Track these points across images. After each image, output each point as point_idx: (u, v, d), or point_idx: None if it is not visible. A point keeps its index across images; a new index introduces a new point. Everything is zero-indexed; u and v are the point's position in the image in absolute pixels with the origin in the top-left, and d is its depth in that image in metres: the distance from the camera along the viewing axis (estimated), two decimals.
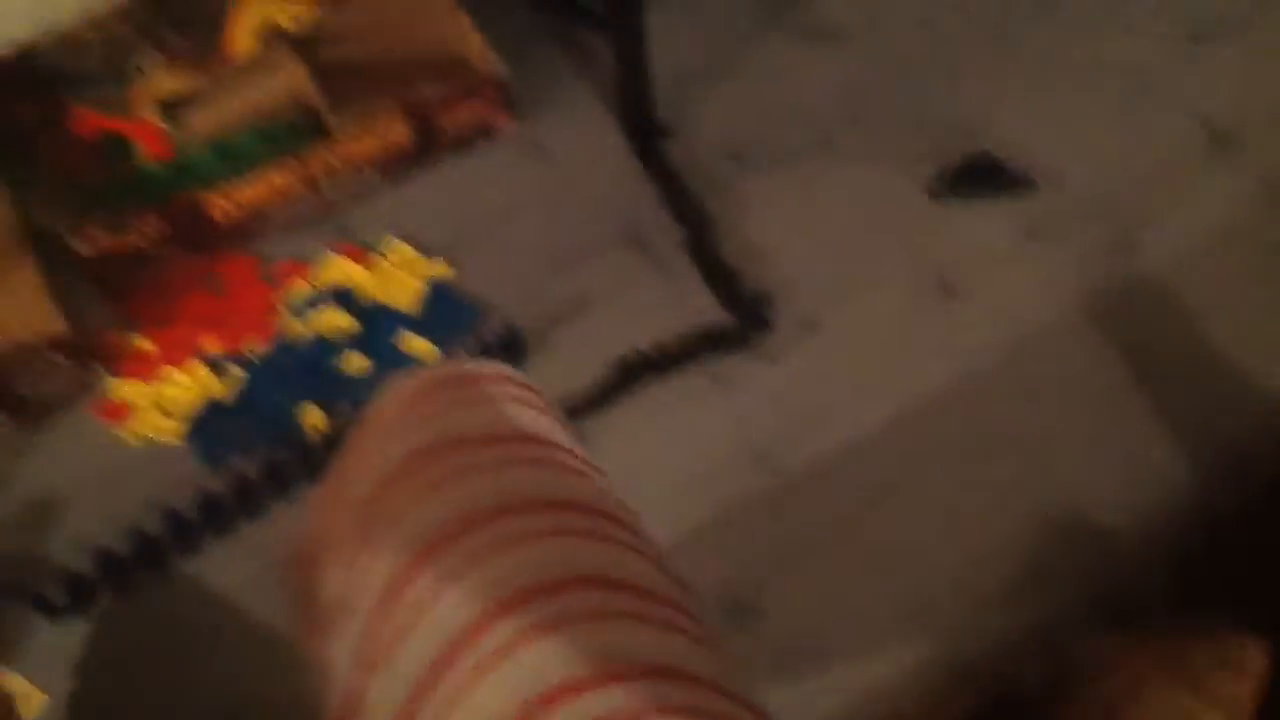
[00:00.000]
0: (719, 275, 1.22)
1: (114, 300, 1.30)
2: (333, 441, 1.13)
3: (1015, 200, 1.27)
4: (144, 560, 1.08)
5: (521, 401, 0.60)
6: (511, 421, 0.57)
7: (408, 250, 1.30)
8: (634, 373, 1.16)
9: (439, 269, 1.28)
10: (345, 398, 1.19)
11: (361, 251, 1.31)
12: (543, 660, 0.44)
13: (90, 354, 1.21)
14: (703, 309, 1.21)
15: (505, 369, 0.61)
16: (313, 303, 1.27)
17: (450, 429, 0.55)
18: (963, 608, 1.01)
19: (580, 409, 1.14)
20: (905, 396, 1.13)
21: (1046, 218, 1.25)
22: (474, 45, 1.39)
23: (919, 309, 1.19)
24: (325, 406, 1.19)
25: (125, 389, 1.23)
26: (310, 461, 1.13)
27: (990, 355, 1.16)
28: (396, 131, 1.32)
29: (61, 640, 1.06)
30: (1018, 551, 1.04)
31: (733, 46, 1.46)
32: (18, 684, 1.00)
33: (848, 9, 1.48)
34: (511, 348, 1.18)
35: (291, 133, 1.35)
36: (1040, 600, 1.01)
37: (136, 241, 1.26)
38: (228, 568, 1.09)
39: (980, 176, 1.28)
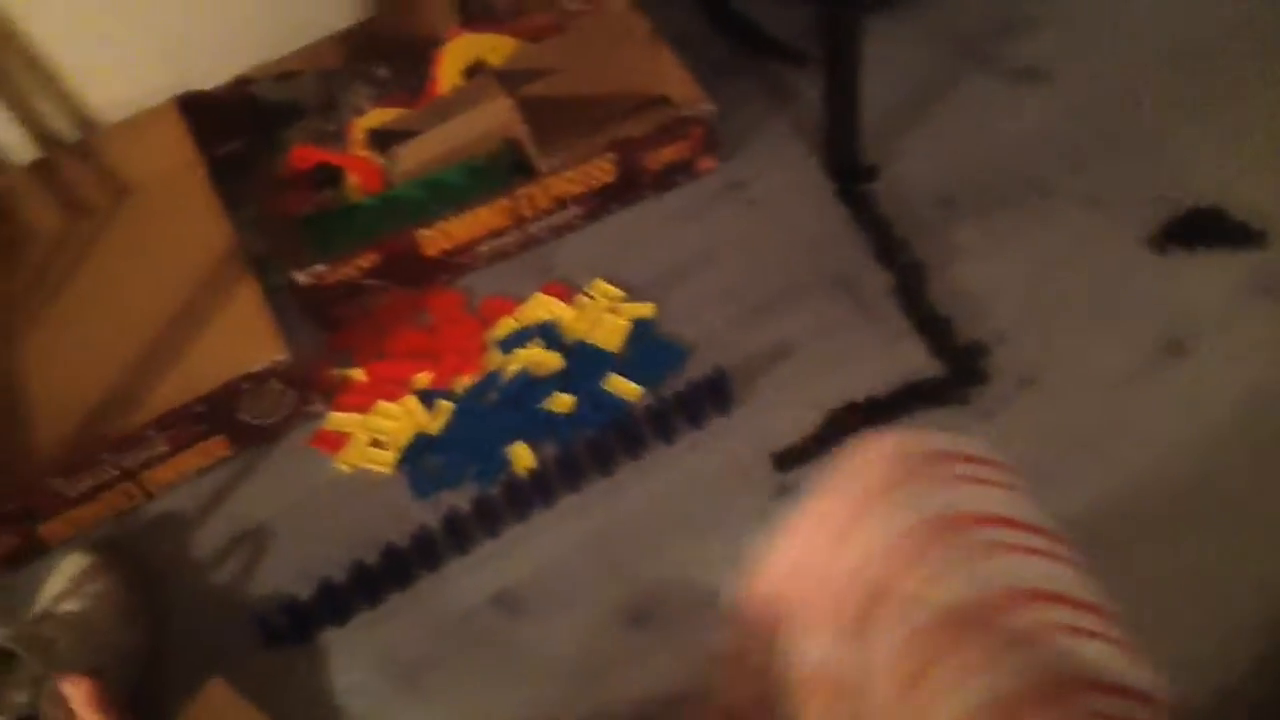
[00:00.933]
0: (930, 324, 1.20)
1: (328, 331, 1.33)
2: (540, 480, 1.14)
3: (1243, 254, 1.21)
4: (361, 591, 1.10)
5: (1002, 484, 0.60)
6: (1005, 504, 0.58)
7: (612, 290, 1.31)
8: (845, 424, 1.14)
9: (643, 309, 1.28)
10: (551, 436, 1.20)
11: (566, 290, 1.32)
12: None
13: (308, 384, 1.24)
14: (912, 359, 1.19)
15: (976, 444, 0.61)
16: (519, 339, 1.28)
17: (949, 506, 0.56)
18: (1206, 683, 0.96)
19: (789, 459, 1.12)
20: (1129, 458, 1.09)
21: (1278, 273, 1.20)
22: (681, 83, 1.39)
23: (1143, 366, 1.15)
24: (531, 444, 1.19)
25: (340, 419, 1.26)
26: (517, 500, 1.14)
27: (1220, 416, 1.10)
28: (603, 170, 1.33)
29: (280, 664, 1.09)
30: (1258, 622, 0.99)
31: (938, 87, 1.44)
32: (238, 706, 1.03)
33: (1057, 50, 1.44)
34: (719, 392, 1.17)
35: (499, 169, 1.37)
36: None
37: (350, 274, 1.29)
38: (439, 601, 1.11)
39: (1206, 228, 1.23)
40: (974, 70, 1.45)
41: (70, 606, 1.09)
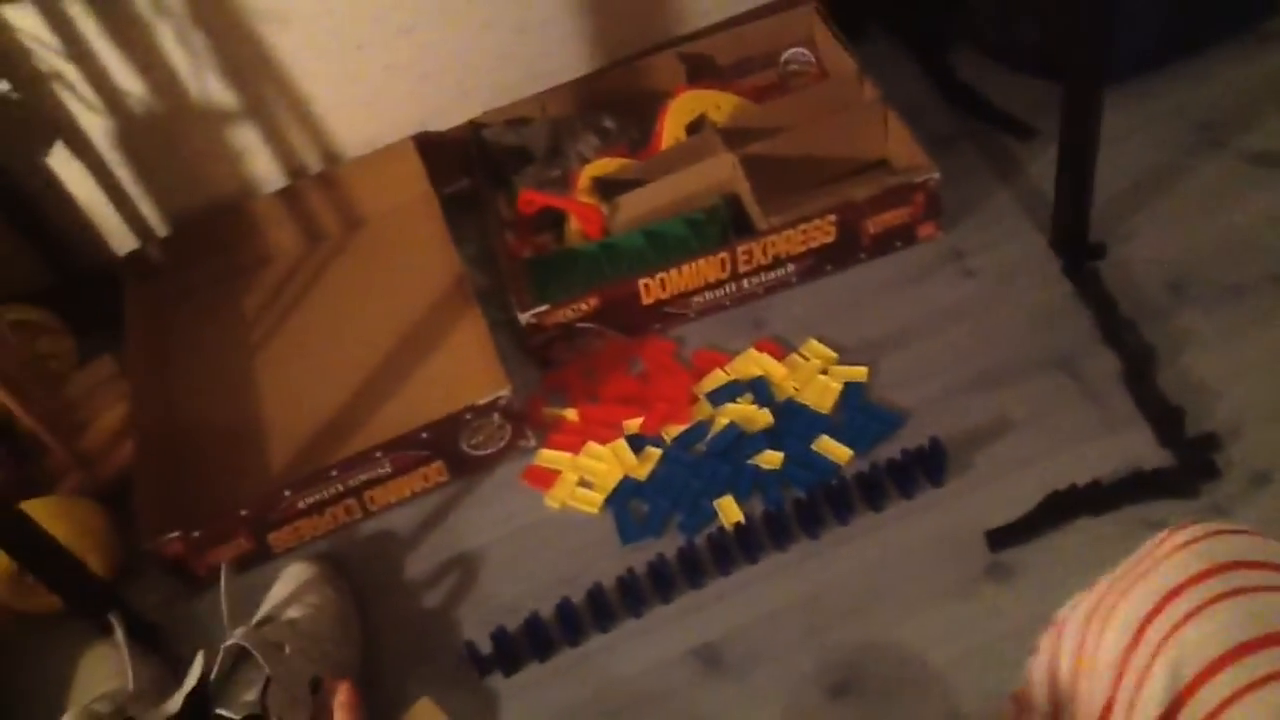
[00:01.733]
0: (1159, 411, 1.16)
1: (544, 370, 1.37)
2: (745, 536, 1.15)
3: None
4: (565, 631, 1.13)
5: None
6: None
7: (825, 350, 1.31)
8: (1065, 507, 1.11)
9: (856, 373, 1.28)
10: (758, 492, 1.21)
11: (778, 347, 1.33)
12: None
13: (524, 419, 1.28)
14: (1137, 447, 1.15)
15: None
16: (729, 393, 1.30)
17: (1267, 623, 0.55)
18: None
19: (1003, 537, 1.10)
20: None
21: None
22: (905, 149, 1.39)
23: None
24: (738, 498, 1.20)
25: (551, 457, 1.29)
26: (722, 554, 1.15)
27: None
28: (823, 230, 1.34)
29: (487, 696, 1.11)
30: None
31: (1171, 167, 1.40)
32: None
33: None
34: (933, 463, 1.16)
35: (717, 223, 1.40)
36: None
37: (570, 316, 1.33)
38: (640, 648, 1.12)
39: None
40: (1210, 151, 1.41)
41: (293, 614, 1.14)
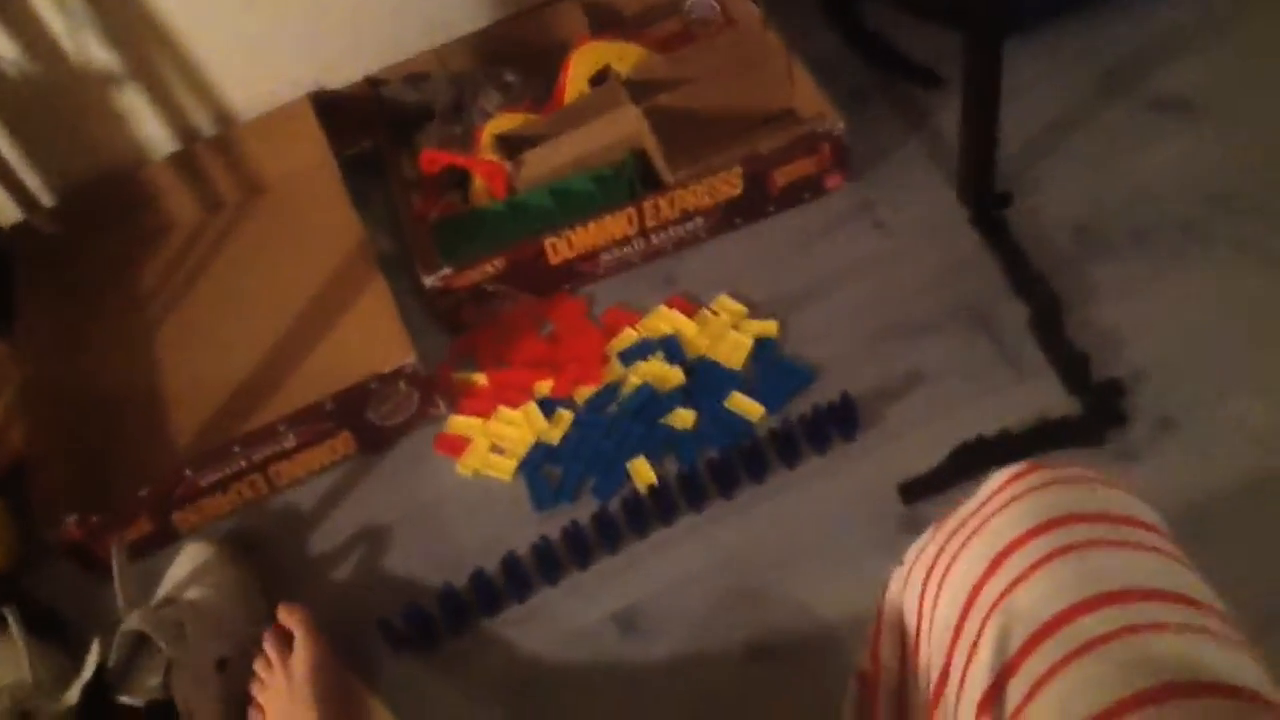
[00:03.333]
0: (1066, 360, 1.17)
1: (452, 335, 1.34)
2: (660, 497, 1.14)
3: None
4: (481, 602, 1.11)
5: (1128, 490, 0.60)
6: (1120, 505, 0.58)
7: (736, 306, 1.30)
8: (975, 458, 1.12)
9: (767, 327, 1.27)
10: (671, 452, 1.20)
11: (689, 304, 1.31)
12: None
13: (432, 386, 1.25)
14: (1047, 396, 1.16)
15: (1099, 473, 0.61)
16: (640, 351, 1.28)
17: (1058, 508, 0.56)
18: None
19: (915, 491, 1.11)
20: (1276, 517, 1.05)
21: None
22: (810, 99, 1.38)
23: None
24: (652, 459, 1.19)
25: (462, 423, 1.27)
26: (638, 517, 1.14)
27: None
28: (730, 183, 1.32)
29: (405, 672, 1.10)
30: None
31: (1078, 115, 1.40)
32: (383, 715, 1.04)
33: (1203, 78, 1.39)
34: (846, 418, 1.16)
35: (624, 179, 1.37)
36: None
37: (476, 279, 1.30)
38: (558, 616, 1.11)
39: None
40: (1114, 99, 1.41)
41: (192, 595, 1.11)
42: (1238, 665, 0.48)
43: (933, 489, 1.11)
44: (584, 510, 1.17)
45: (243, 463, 1.20)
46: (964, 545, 0.58)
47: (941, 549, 0.60)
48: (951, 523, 0.61)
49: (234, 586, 1.13)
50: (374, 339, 1.26)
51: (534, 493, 1.20)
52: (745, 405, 1.22)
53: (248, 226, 1.48)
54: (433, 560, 1.16)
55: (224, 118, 1.50)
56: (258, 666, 1.00)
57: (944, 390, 1.19)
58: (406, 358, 1.20)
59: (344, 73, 1.51)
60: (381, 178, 1.45)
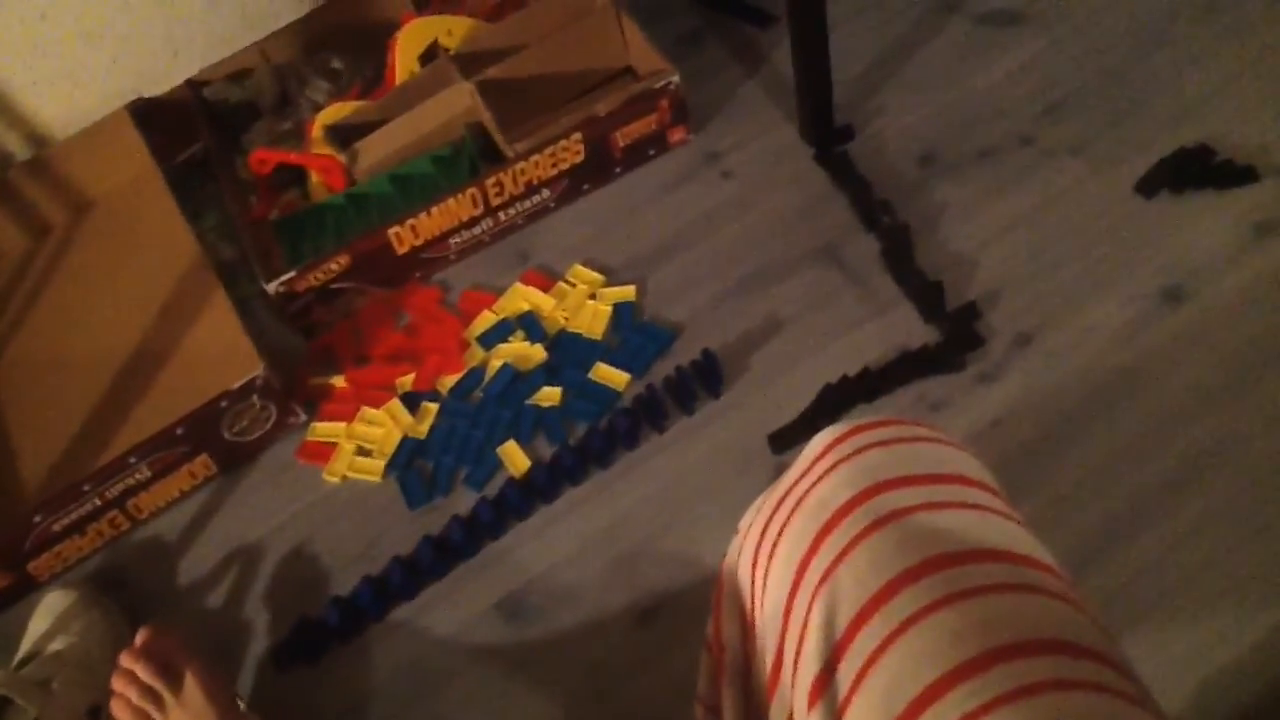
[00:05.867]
0: (919, 288, 1.17)
1: (305, 338, 1.30)
2: (536, 479, 1.12)
3: (1234, 194, 1.19)
4: (370, 606, 1.08)
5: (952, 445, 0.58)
6: (946, 466, 0.56)
7: (591, 274, 1.28)
8: (839, 399, 1.11)
9: (625, 292, 1.25)
10: (541, 431, 1.18)
11: (545, 278, 1.29)
12: None
13: (289, 395, 1.21)
14: (906, 326, 1.16)
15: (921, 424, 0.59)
16: (500, 333, 1.25)
17: (879, 474, 0.55)
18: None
19: (785, 439, 1.10)
20: (1134, 412, 1.06)
21: (1277, 211, 1.17)
22: (644, 54, 1.35)
23: (1143, 316, 1.12)
24: (522, 441, 1.17)
25: (325, 429, 1.23)
26: (515, 502, 1.12)
27: (1226, 365, 1.08)
28: (571, 150, 1.29)
29: (290, 686, 1.06)
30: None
31: (910, 37, 1.40)
32: None
33: None
34: (709, 374, 1.15)
35: (465, 157, 1.33)
36: None
37: (321, 278, 1.26)
38: (447, 611, 1.08)
39: (1197, 170, 1.20)
40: (944, 18, 1.41)
41: (57, 646, 1.06)
42: (1064, 619, 0.47)
43: (801, 435, 1.10)
44: (460, 503, 1.14)
45: (96, 501, 1.14)
46: (788, 519, 0.56)
47: (769, 520, 0.59)
48: (778, 491, 0.60)
49: (101, 630, 1.08)
50: (220, 354, 1.21)
51: (406, 491, 1.17)
52: (610, 375, 1.20)
53: (79, 249, 1.41)
54: (311, 572, 1.13)
55: (39, 139, 1.42)
56: (138, 702, 0.95)
57: (803, 333, 1.18)
58: (255, 370, 1.15)
59: (164, 79, 1.44)
60: (215, 183, 1.39)
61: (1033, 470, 1.04)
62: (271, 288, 1.23)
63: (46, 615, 1.08)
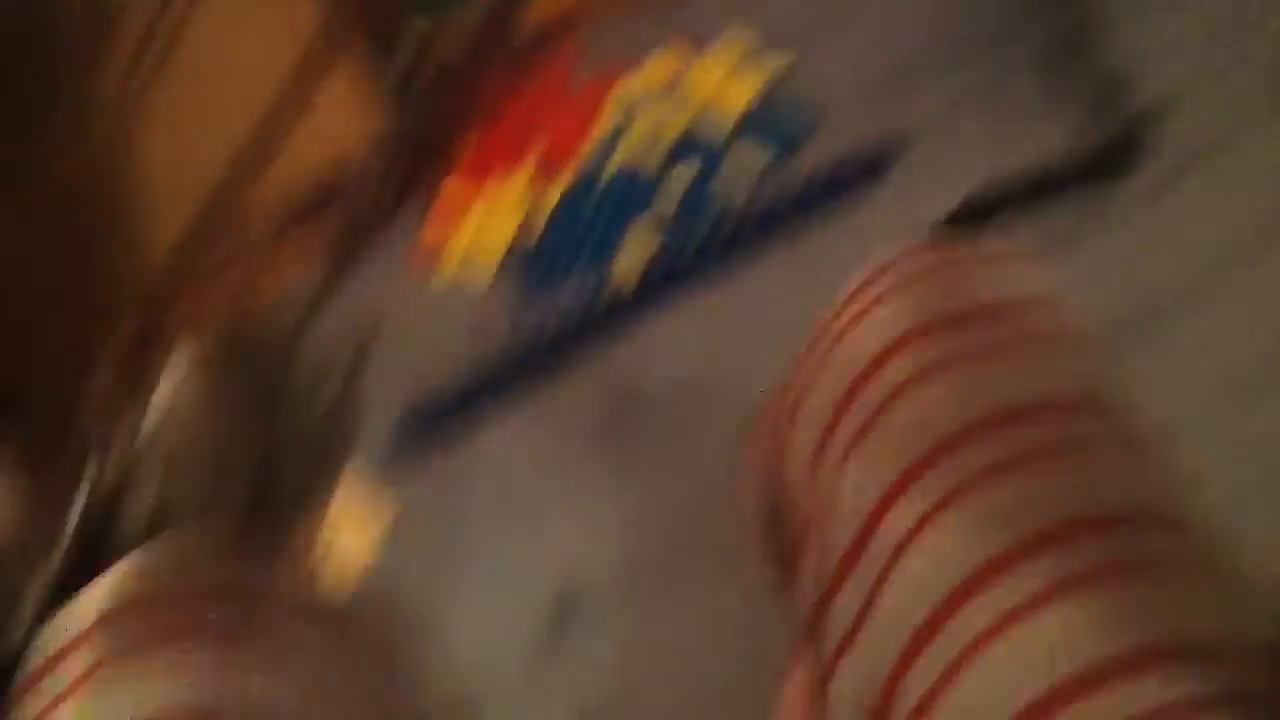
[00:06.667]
0: (1089, 92, 1.08)
1: (431, 105, 1.26)
2: (661, 271, 1.09)
3: None
4: (461, 409, 1.09)
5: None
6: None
7: (744, 44, 1.19)
8: (990, 206, 1.05)
9: (778, 65, 1.17)
10: (675, 218, 1.13)
11: (692, 45, 1.21)
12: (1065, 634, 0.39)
13: (412, 175, 1.19)
14: (1067, 131, 1.07)
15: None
16: (635, 106, 1.19)
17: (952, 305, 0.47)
18: None
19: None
20: None
21: None
22: None
23: None
24: (651, 227, 1.13)
25: (446, 213, 1.21)
26: (622, 306, 1.10)
27: None
28: None
29: (404, 471, 1.09)
30: None
31: None
32: (358, 506, 1.04)
33: None
34: (862, 168, 1.09)
35: None
36: None
37: (453, 45, 1.20)
38: (560, 407, 1.09)
39: None
40: None
41: (178, 412, 1.09)
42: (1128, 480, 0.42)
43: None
44: (582, 296, 1.12)
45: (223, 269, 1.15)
46: (824, 360, 0.49)
47: (802, 364, 0.51)
48: (818, 327, 0.51)
49: (218, 397, 1.10)
50: (349, 126, 1.18)
51: (526, 280, 1.15)
52: (748, 156, 1.14)
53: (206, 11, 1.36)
54: (426, 362, 1.13)
55: None
56: None
57: (963, 133, 1.11)
58: (381, 147, 1.12)
59: None
60: None
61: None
62: (404, 52, 1.18)
63: (169, 382, 1.10)
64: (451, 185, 1.23)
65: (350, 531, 1.06)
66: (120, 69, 1.32)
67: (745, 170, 1.13)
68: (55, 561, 0.96)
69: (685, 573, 0.96)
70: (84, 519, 0.97)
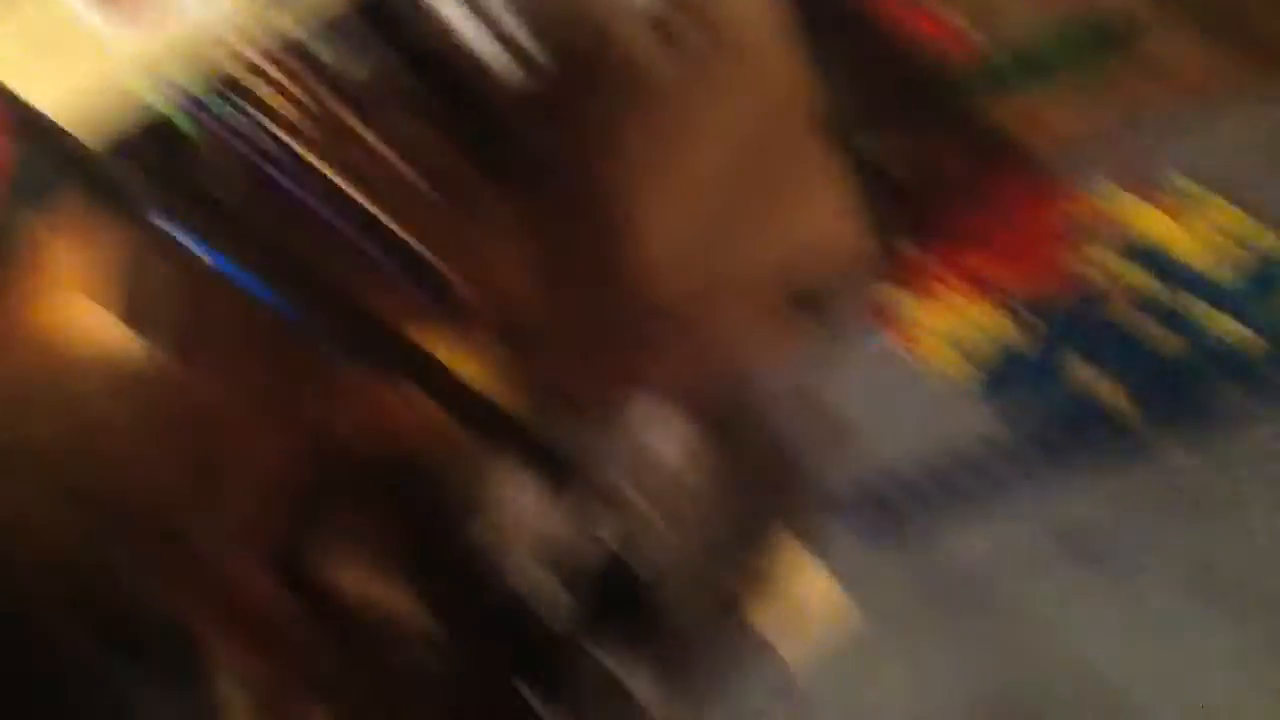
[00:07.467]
0: None
1: (898, 208, 1.29)
2: (1135, 418, 1.08)
3: None
4: (943, 502, 1.12)
5: None
6: None
7: (1227, 207, 1.16)
8: None
9: (1267, 237, 1.13)
10: (1149, 373, 1.11)
11: (1169, 199, 1.19)
12: None
13: (888, 264, 1.23)
14: None
15: None
16: (1114, 252, 1.18)
17: None
18: None
19: None
20: None
21: None
22: None
23: None
24: (1119, 378, 1.12)
25: (913, 308, 1.24)
26: (1112, 444, 1.08)
27: None
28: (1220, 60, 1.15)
29: (867, 558, 1.13)
30: None
31: None
32: (822, 584, 1.10)
33: None
34: None
35: (1098, 43, 1.23)
36: None
37: (931, 151, 1.23)
38: (1009, 531, 1.10)
39: None
40: None
41: (676, 471, 1.16)
42: None
43: None
44: (1047, 422, 1.12)
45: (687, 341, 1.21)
46: None
47: None
48: None
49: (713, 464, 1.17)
50: (826, 215, 1.22)
51: (1001, 402, 1.16)
52: (1227, 326, 1.11)
53: (704, 82, 1.40)
54: (893, 450, 1.17)
55: None
56: None
57: None
58: (862, 239, 1.17)
59: None
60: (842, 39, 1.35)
61: None
62: (885, 154, 1.21)
63: (672, 440, 1.19)
64: (922, 263, 1.25)
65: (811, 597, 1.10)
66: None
67: (1226, 338, 1.10)
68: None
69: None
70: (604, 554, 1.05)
